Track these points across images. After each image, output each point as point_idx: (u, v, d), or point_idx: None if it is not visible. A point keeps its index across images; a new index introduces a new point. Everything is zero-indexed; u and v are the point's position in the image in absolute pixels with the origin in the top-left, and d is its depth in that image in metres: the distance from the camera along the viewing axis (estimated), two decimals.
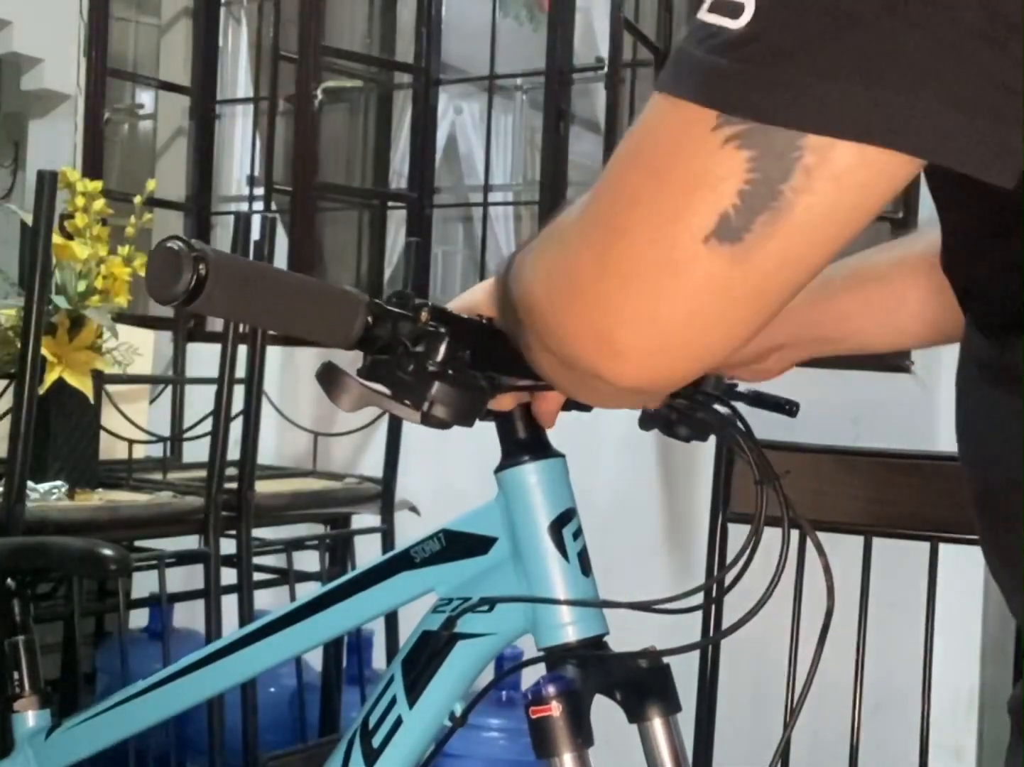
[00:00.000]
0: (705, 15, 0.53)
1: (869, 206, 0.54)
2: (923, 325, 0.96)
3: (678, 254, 0.54)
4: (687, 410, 0.93)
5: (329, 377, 0.81)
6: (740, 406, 0.97)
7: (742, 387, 1.04)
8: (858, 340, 1.03)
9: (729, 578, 0.88)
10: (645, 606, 0.90)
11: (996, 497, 0.66)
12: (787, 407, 1.06)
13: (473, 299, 0.88)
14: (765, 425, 1.14)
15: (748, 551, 0.86)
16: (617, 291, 0.56)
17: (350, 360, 0.81)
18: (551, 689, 0.88)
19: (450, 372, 0.79)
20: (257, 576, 2.46)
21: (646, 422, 1.00)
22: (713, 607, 1.60)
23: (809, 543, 0.88)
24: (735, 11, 0.52)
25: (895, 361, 2.78)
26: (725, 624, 1.60)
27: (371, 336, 0.79)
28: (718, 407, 0.93)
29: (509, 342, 0.82)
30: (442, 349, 0.79)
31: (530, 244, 0.73)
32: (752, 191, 0.52)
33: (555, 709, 0.88)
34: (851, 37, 0.50)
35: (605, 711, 0.95)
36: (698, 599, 0.90)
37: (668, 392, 0.64)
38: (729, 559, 1.42)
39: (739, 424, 0.91)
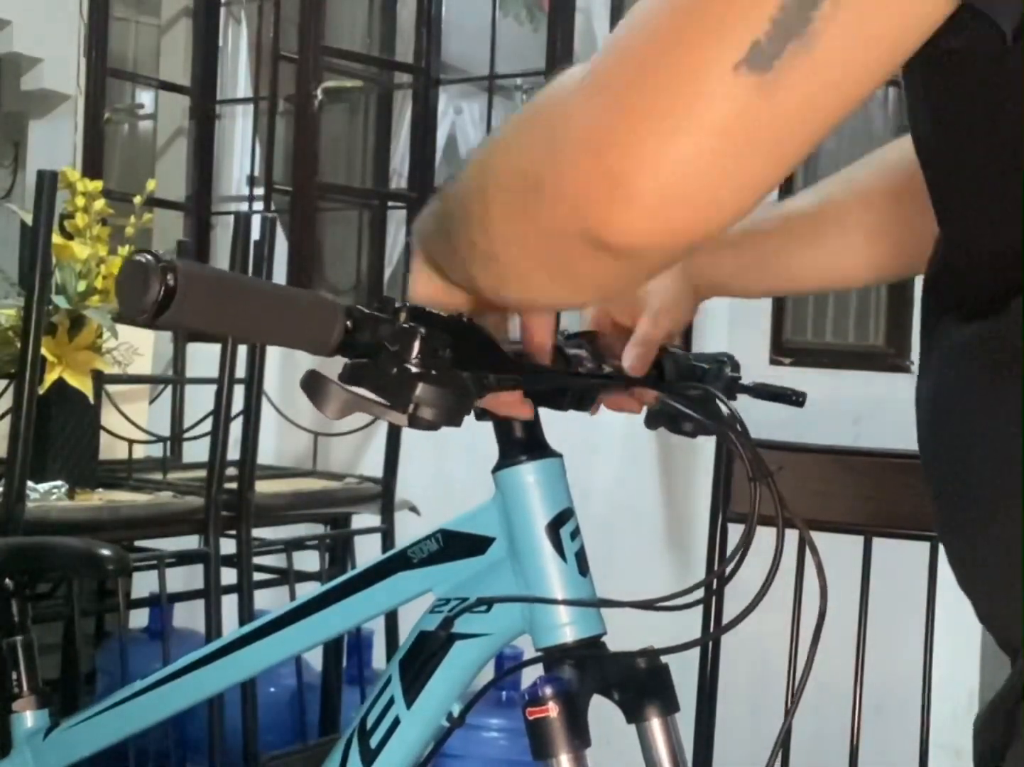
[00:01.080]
0: None
1: (888, 52, 0.54)
2: (861, 262, 0.96)
3: (705, 85, 0.53)
4: (685, 406, 0.93)
5: (314, 385, 0.80)
6: (747, 401, 0.97)
7: (747, 379, 1.04)
8: (785, 278, 1.01)
9: (728, 570, 0.88)
10: (644, 605, 0.90)
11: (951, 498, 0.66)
12: (794, 397, 1.05)
13: (415, 272, 0.84)
14: (766, 425, 1.14)
15: (742, 549, 0.86)
16: (638, 131, 0.54)
17: (339, 365, 0.81)
18: (548, 690, 0.88)
19: (433, 372, 0.78)
20: (257, 576, 2.46)
21: (652, 420, 1.00)
22: (712, 606, 1.59)
23: (804, 536, 0.88)
24: None
25: (895, 361, 2.78)
26: (726, 622, 1.60)
27: (351, 342, 0.79)
28: (719, 403, 0.93)
29: (490, 339, 0.82)
30: (417, 346, 0.78)
31: (478, 147, 0.70)
32: (783, 19, 0.52)
33: (552, 710, 0.88)
34: None
35: (603, 711, 0.95)
36: (696, 596, 0.90)
37: (667, 260, 0.60)
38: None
39: (734, 421, 0.90)
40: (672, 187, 0.55)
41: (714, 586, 1.21)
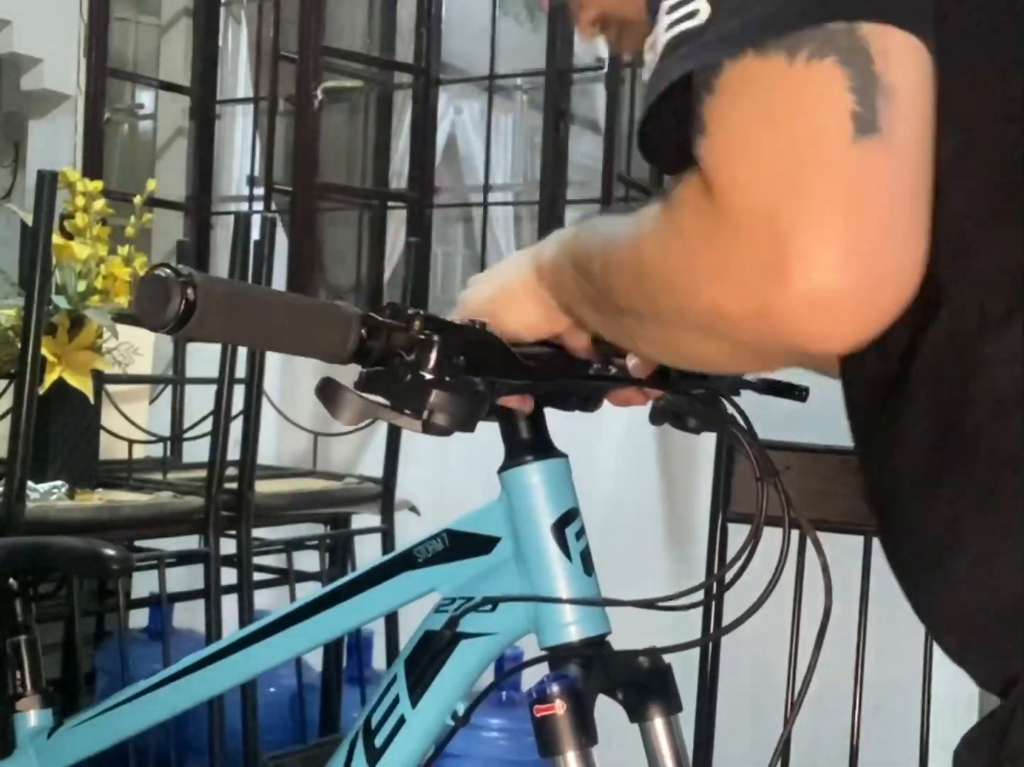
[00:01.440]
0: (667, 31, 0.61)
1: (928, 85, 0.58)
2: None
3: (842, 167, 0.56)
4: (692, 405, 0.94)
5: (328, 392, 0.81)
6: (748, 401, 0.98)
7: (750, 376, 1.04)
8: None
9: (729, 575, 0.88)
10: (647, 604, 0.90)
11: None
12: (797, 392, 1.06)
13: (508, 295, 0.87)
14: (766, 425, 1.14)
15: (749, 548, 0.86)
16: (809, 235, 0.56)
17: (350, 371, 0.82)
18: (555, 688, 0.89)
19: (447, 379, 0.79)
20: (257, 576, 2.46)
21: (656, 416, 1.00)
22: (713, 605, 1.60)
23: (810, 542, 0.88)
24: (692, 15, 0.60)
25: None
26: (726, 622, 1.60)
27: (366, 349, 0.79)
28: (724, 402, 0.94)
29: (502, 345, 0.83)
30: (434, 356, 0.79)
31: (609, 231, 0.71)
32: (857, 84, 0.56)
33: (559, 708, 0.88)
34: None
35: (607, 710, 0.95)
36: (699, 596, 0.90)
37: (865, 343, 0.59)
38: (729, 558, 1.42)
39: (740, 421, 0.91)
40: (865, 272, 0.56)
41: (714, 590, 1.21)
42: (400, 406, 0.80)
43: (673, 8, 0.61)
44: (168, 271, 0.72)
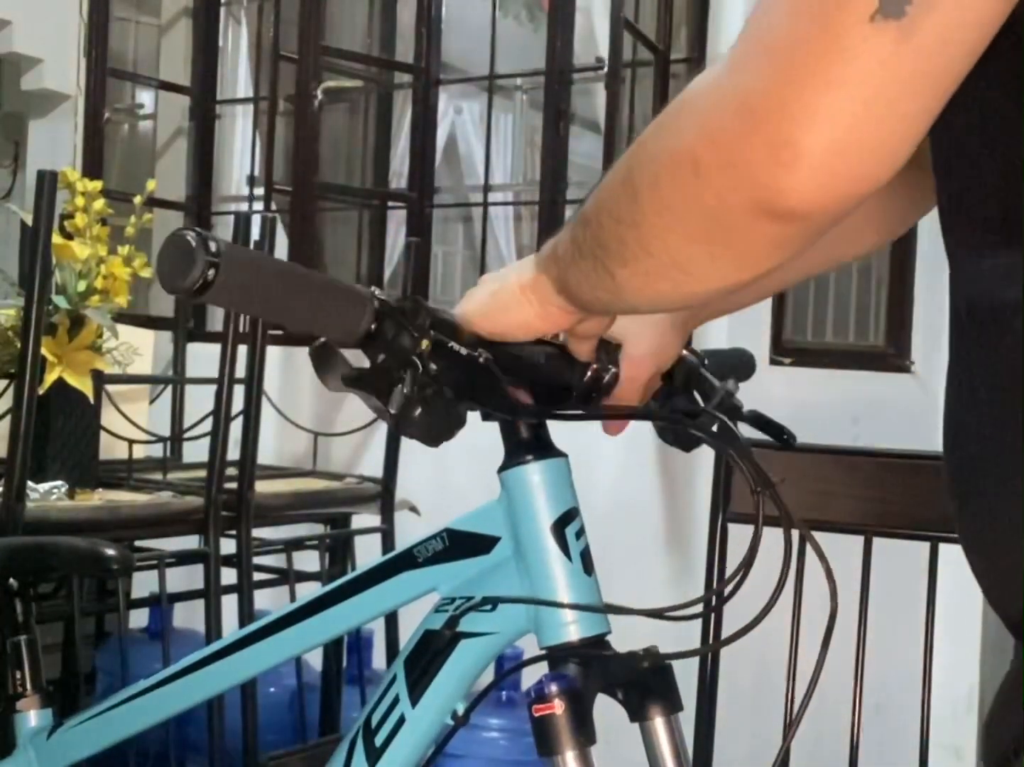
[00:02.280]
0: None
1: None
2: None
3: (847, 39, 0.56)
4: (686, 423, 0.94)
5: (323, 356, 0.82)
6: (748, 400, 0.98)
7: (744, 408, 1.05)
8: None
9: (730, 587, 0.88)
10: (653, 613, 0.90)
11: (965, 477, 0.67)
12: (785, 437, 1.07)
13: (503, 297, 0.87)
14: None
15: (747, 563, 0.86)
16: (791, 94, 0.57)
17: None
18: (554, 687, 0.89)
19: (430, 396, 0.81)
20: (257, 576, 2.46)
21: (661, 432, 1.02)
22: (713, 616, 1.60)
23: (810, 543, 0.88)
24: None
25: (895, 361, 2.78)
26: (726, 627, 1.60)
27: (374, 335, 0.80)
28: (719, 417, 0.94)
29: (497, 381, 0.83)
30: (426, 379, 0.80)
31: (618, 160, 0.72)
32: None
33: (558, 707, 0.88)
34: None
35: (606, 710, 0.95)
36: (699, 608, 0.91)
37: (835, 220, 0.62)
38: (730, 560, 1.42)
39: (734, 438, 0.91)
40: (834, 139, 0.57)
41: (712, 603, 1.21)
42: (380, 399, 0.81)
43: None
44: (194, 235, 0.72)
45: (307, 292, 0.79)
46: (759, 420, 1.05)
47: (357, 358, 0.85)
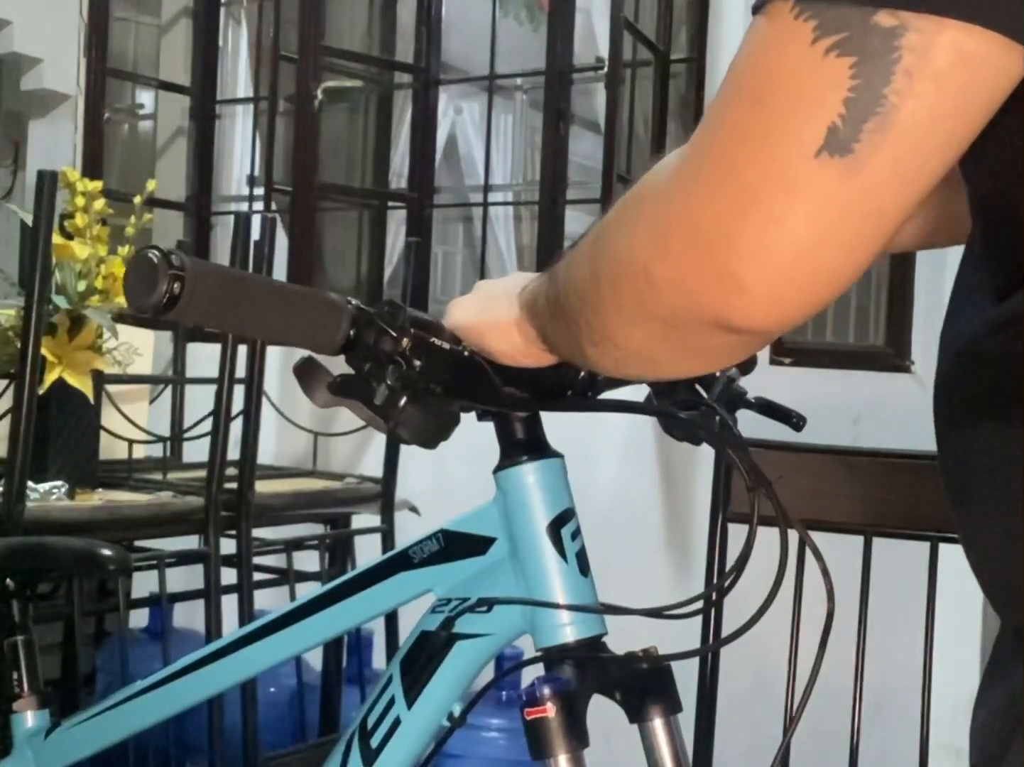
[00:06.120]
0: None
1: (972, 111, 0.53)
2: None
3: (791, 174, 0.54)
4: (684, 420, 0.94)
5: (307, 372, 0.81)
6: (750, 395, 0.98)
7: (751, 395, 1.04)
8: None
9: (727, 583, 0.88)
10: (652, 612, 0.90)
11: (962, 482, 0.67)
12: (794, 420, 1.06)
13: (492, 319, 0.86)
14: (766, 425, 1.14)
15: (742, 560, 0.86)
16: (735, 225, 0.55)
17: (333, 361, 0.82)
18: (546, 690, 0.88)
19: (420, 396, 0.80)
20: (257, 576, 2.46)
21: (665, 424, 1.01)
22: (713, 611, 1.60)
23: (806, 542, 0.88)
24: None
25: (895, 361, 2.78)
26: (726, 625, 1.60)
27: (354, 343, 0.79)
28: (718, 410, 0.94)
29: (486, 372, 0.83)
30: (412, 376, 0.80)
31: (588, 233, 0.71)
32: (856, 99, 0.52)
33: (550, 710, 0.88)
34: None
35: (606, 711, 0.95)
36: (698, 605, 0.90)
37: (796, 325, 0.61)
38: (729, 560, 1.42)
39: (732, 434, 0.91)
40: (778, 271, 0.56)
41: (713, 598, 1.21)
42: (370, 407, 0.81)
43: None
44: (157, 253, 0.72)
45: (281, 303, 0.78)
46: (766, 406, 1.05)
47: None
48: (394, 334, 0.81)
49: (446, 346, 0.84)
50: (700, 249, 0.57)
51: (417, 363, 0.80)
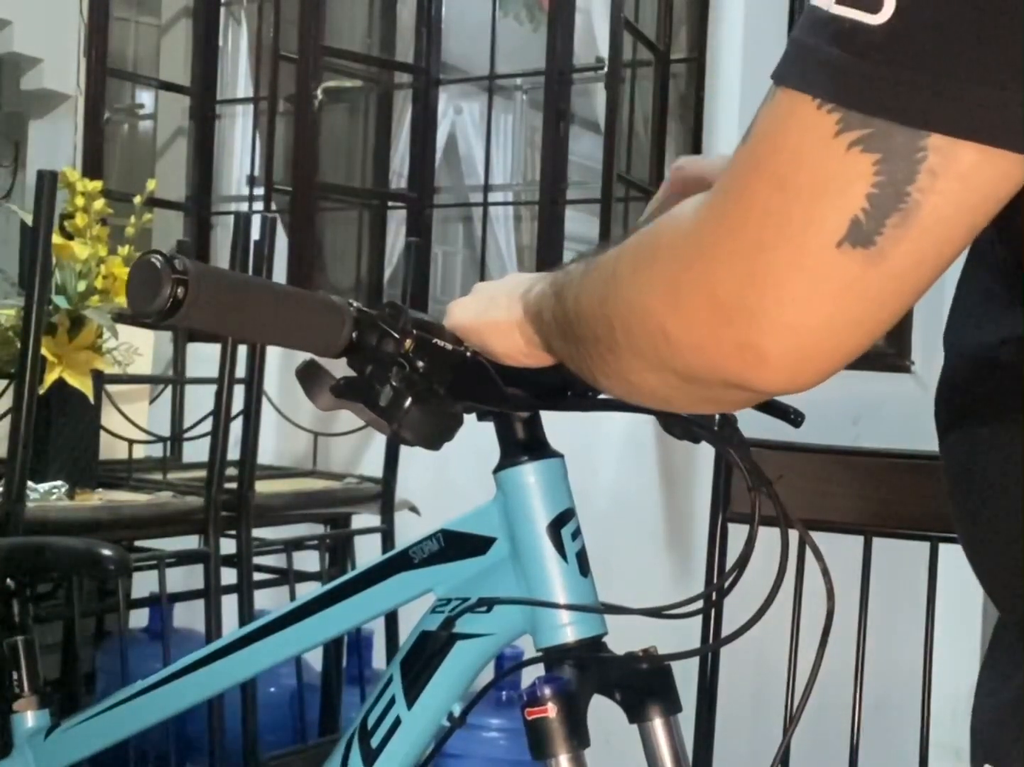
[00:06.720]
0: (834, 7, 0.53)
1: (995, 201, 0.54)
2: None
3: (813, 261, 0.54)
4: (683, 417, 0.94)
5: (310, 375, 0.81)
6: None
7: None
8: None
9: (728, 583, 0.88)
10: (652, 612, 0.90)
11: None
12: (792, 416, 1.06)
13: (493, 319, 0.86)
14: (766, 424, 1.14)
15: (743, 559, 0.86)
16: (755, 300, 0.56)
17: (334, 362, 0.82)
18: (547, 690, 0.88)
19: (423, 397, 0.80)
20: (257, 576, 2.46)
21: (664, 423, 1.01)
22: (713, 611, 1.60)
23: (807, 541, 0.88)
24: (873, 5, 0.52)
25: (895, 361, 2.78)
26: (726, 626, 1.60)
27: (356, 346, 0.79)
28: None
29: (489, 373, 0.83)
30: (415, 378, 0.80)
31: (594, 259, 0.71)
32: (879, 194, 0.53)
33: (551, 710, 0.88)
34: (994, 35, 0.50)
35: (605, 711, 0.95)
36: (698, 605, 0.90)
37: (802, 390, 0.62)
38: (729, 560, 1.42)
39: (732, 434, 0.91)
40: (801, 349, 0.57)
41: (713, 598, 1.21)
42: (374, 408, 0.81)
43: None
44: (160, 258, 0.72)
45: (284, 306, 0.78)
46: (764, 403, 1.05)
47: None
48: (396, 335, 0.81)
49: (449, 346, 0.84)
50: (720, 320, 0.58)
51: (420, 364, 0.80)
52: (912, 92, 0.51)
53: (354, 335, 0.80)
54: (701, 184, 0.90)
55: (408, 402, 0.80)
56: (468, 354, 0.85)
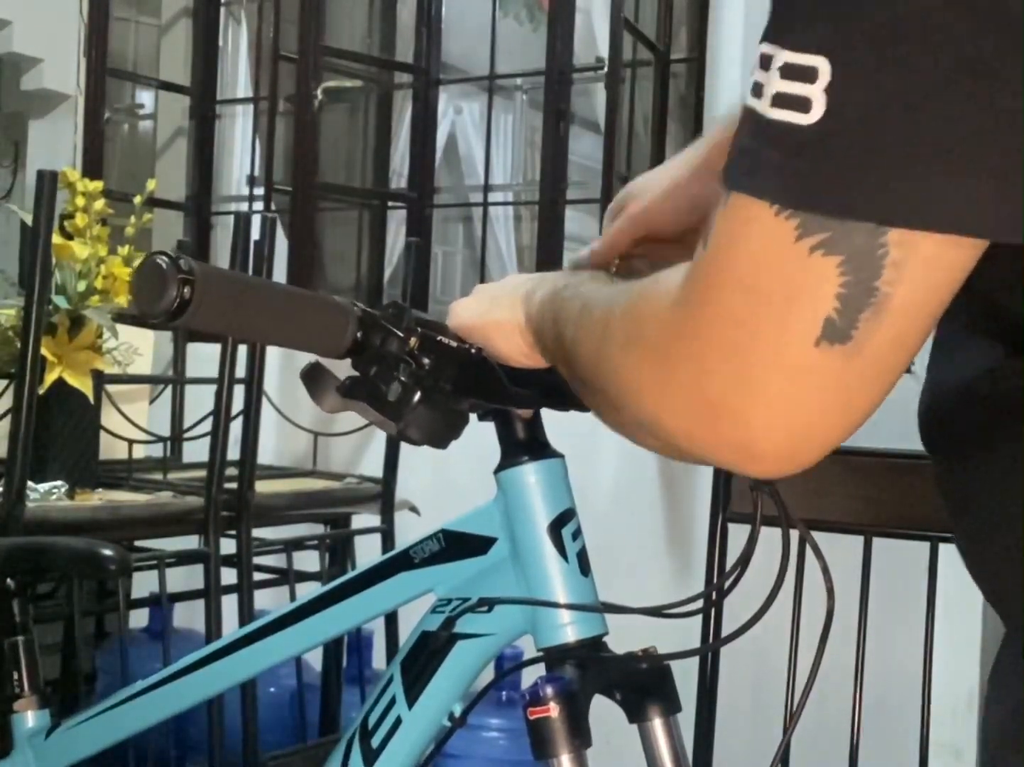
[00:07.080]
0: (769, 110, 0.53)
1: (963, 271, 0.54)
2: None
3: (792, 362, 0.55)
4: None
5: (314, 378, 0.81)
6: None
7: None
8: None
9: (728, 582, 0.88)
10: (651, 611, 0.90)
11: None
12: None
13: (496, 319, 0.86)
14: None
15: (745, 559, 0.86)
16: (744, 404, 0.57)
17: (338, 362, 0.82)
18: (549, 690, 0.88)
19: (429, 395, 0.80)
20: (257, 576, 2.46)
21: None
22: (713, 610, 1.60)
23: (807, 541, 0.88)
24: (803, 105, 0.52)
25: None
26: (726, 625, 1.60)
27: (361, 346, 0.80)
28: None
29: (494, 371, 0.83)
30: (421, 375, 0.80)
31: (589, 301, 0.71)
32: (848, 294, 0.53)
33: (553, 710, 0.88)
34: (929, 125, 0.50)
35: (605, 711, 0.95)
36: (698, 605, 0.90)
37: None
38: (729, 560, 1.42)
39: None
40: (790, 444, 0.58)
41: (713, 597, 1.21)
42: (380, 408, 0.81)
43: (786, 72, 0.53)
44: (166, 260, 0.72)
45: (289, 307, 0.78)
46: None
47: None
48: (401, 335, 0.81)
49: (454, 344, 0.84)
50: (710, 418, 0.58)
51: (426, 361, 0.80)
52: (862, 189, 0.51)
53: (359, 335, 0.80)
54: (649, 223, 0.93)
55: (416, 398, 0.80)
56: (473, 351, 0.85)
